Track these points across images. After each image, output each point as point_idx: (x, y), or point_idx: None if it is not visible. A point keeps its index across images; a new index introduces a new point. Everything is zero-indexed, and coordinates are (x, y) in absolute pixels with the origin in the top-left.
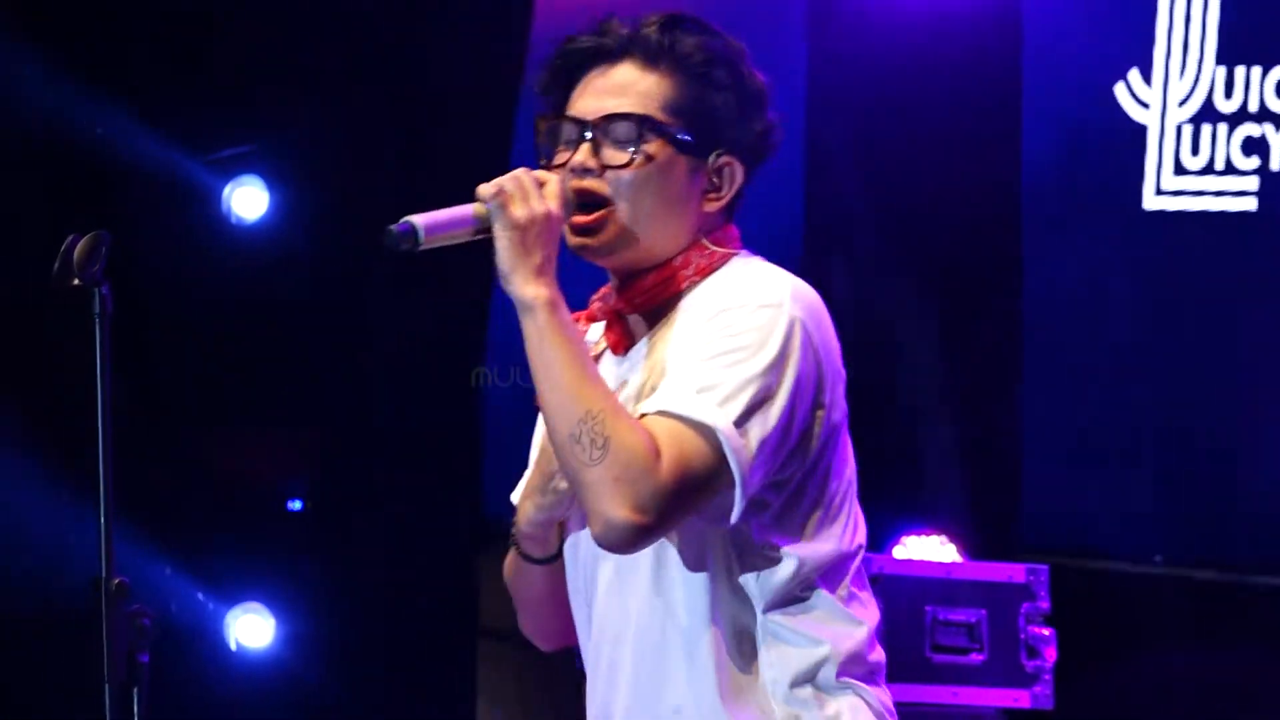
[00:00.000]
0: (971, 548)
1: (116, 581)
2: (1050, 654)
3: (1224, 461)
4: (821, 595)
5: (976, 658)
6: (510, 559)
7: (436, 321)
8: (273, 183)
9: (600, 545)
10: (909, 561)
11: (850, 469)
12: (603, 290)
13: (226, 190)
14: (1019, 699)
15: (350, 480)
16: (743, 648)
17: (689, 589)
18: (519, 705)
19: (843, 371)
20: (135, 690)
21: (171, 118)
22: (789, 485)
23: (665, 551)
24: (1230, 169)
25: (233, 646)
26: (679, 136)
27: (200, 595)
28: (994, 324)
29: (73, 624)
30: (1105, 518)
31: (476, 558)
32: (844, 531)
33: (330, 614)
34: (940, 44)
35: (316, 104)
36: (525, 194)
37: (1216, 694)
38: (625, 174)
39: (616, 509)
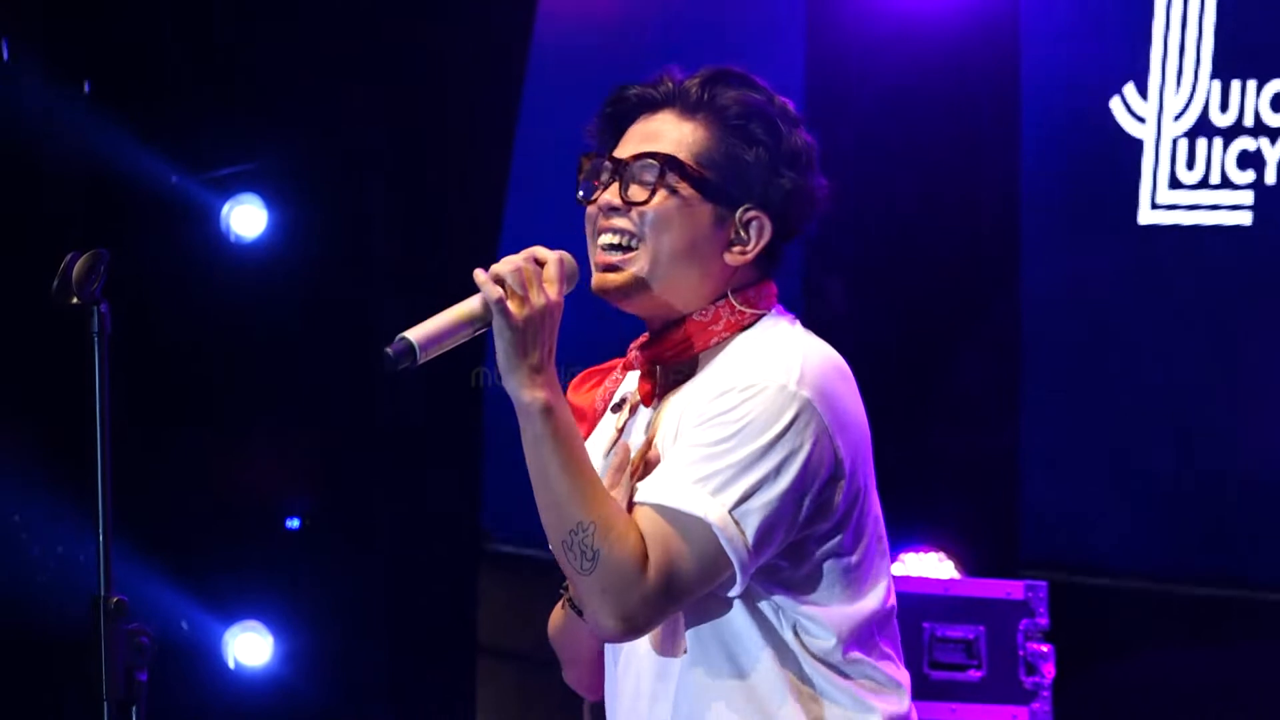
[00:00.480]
0: (969, 564)
1: (115, 600)
2: (1049, 670)
3: (1222, 475)
4: (858, 658)
5: (975, 674)
6: (559, 614)
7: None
8: (271, 201)
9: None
10: (907, 578)
11: (877, 528)
12: (639, 339)
13: (225, 208)
14: (1018, 716)
15: (348, 498)
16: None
17: (721, 646)
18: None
19: (867, 434)
20: (134, 708)
21: (171, 137)
22: (808, 553)
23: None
24: (1226, 183)
25: (231, 665)
26: (704, 180)
27: (198, 614)
28: (992, 340)
29: (72, 642)
30: (1104, 533)
31: (476, 575)
32: (872, 591)
33: (328, 632)
34: (939, 57)
35: (314, 123)
36: (526, 286)
37: (1215, 709)
38: (648, 211)
39: (605, 617)
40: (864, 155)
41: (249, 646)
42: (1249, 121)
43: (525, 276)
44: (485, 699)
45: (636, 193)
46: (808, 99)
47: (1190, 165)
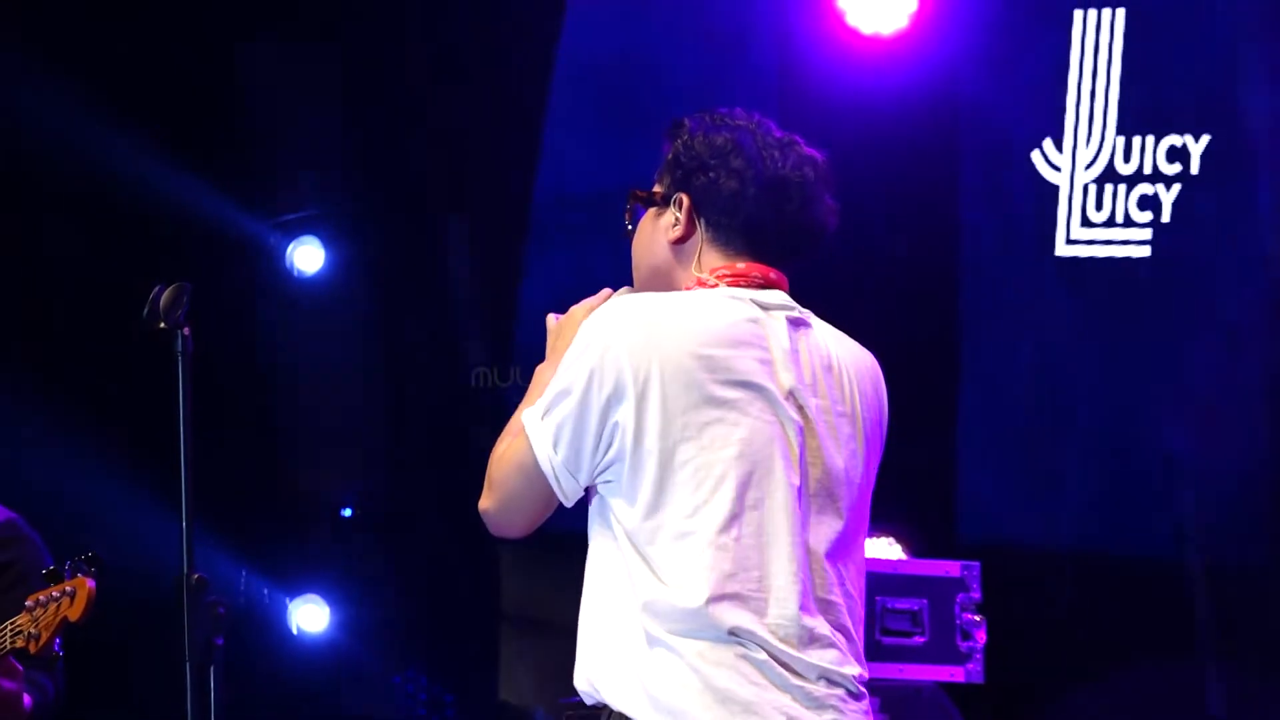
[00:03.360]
0: (915, 547)
1: (196, 577)
2: (981, 636)
3: (1124, 468)
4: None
5: (919, 640)
6: None
7: (462, 345)
8: (328, 241)
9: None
10: None
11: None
12: None
13: (289, 248)
14: (954, 674)
15: (391, 489)
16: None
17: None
18: (533, 678)
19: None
20: (211, 669)
21: (243, 186)
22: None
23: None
24: (1129, 222)
25: (294, 631)
26: (649, 193)
27: (266, 589)
28: (935, 355)
29: (159, 612)
30: (1027, 519)
31: (498, 554)
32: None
33: (376, 603)
34: (892, 118)
35: (366, 174)
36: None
37: (1118, 660)
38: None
39: (481, 504)
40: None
41: (310, 616)
42: (1148, 170)
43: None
44: (506, 659)
45: None
46: None
47: (1099, 207)
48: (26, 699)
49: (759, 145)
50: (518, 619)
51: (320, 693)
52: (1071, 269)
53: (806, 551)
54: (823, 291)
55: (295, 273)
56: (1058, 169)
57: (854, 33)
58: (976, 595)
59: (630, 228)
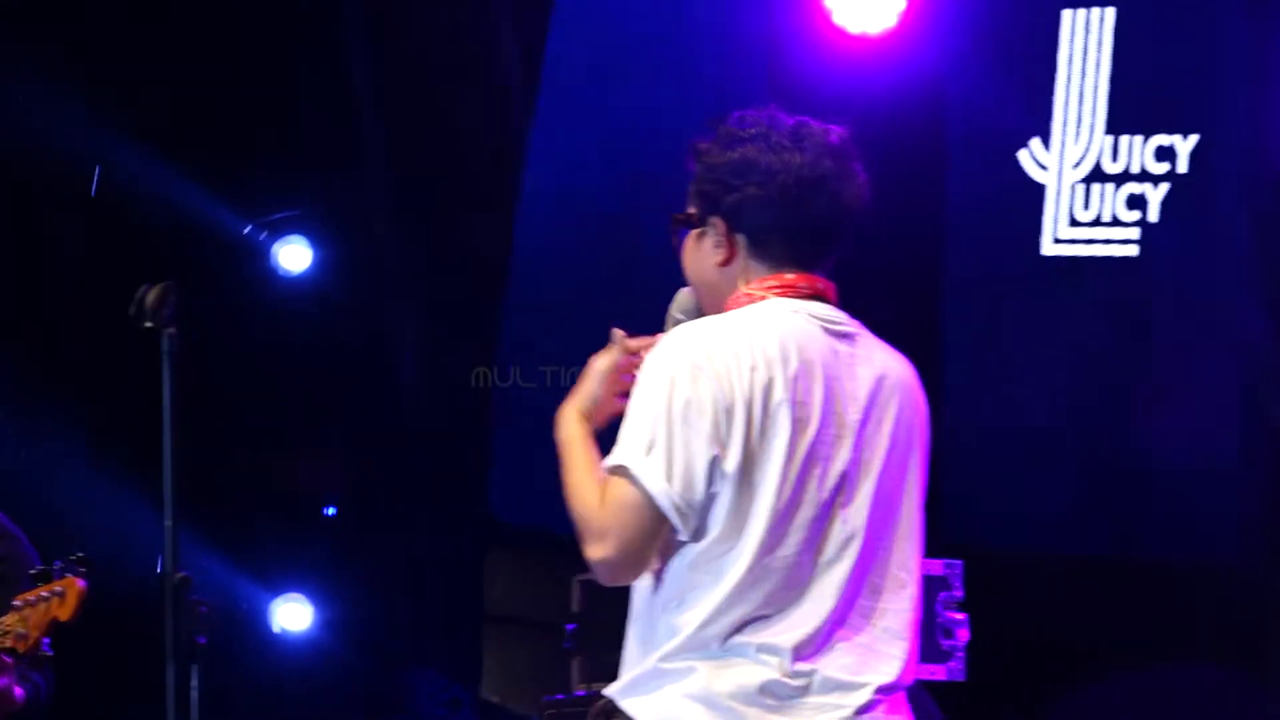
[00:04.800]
0: None
1: (179, 575)
2: (963, 635)
3: (1110, 468)
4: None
5: None
6: None
7: (451, 342)
8: (314, 241)
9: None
10: None
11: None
12: None
13: (275, 247)
14: (936, 673)
15: (375, 489)
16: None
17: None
18: (516, 680)
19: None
20: (194, 666)
21: (231, 187)
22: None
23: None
24: (1116, 221)
25: (276, 630)
26: (686, 215)
27: (248, 587)
28: (919, 354)
29: (143, 610)
30: (1011, 520)
31: (483, 555)
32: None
33: (359, 603)
34: (880, 117)
35: (351, 175)
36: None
37: (1102, 661)
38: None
39: (589, 557)
40: None
41: (292, 615)
42: (1135, 170)
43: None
44: (490, 658)
45: None
46: None
47: (1086, 206)
48: (18, 691)
49: (774, 150)
50: (500, 618)
51: (302, 691)
52: (1059, 268)
53: (862, 567)
54: None
55: (281, 272)
56: (1045, 168)
57: (841, 32)
58: (959, 593)
59: (677, 246)
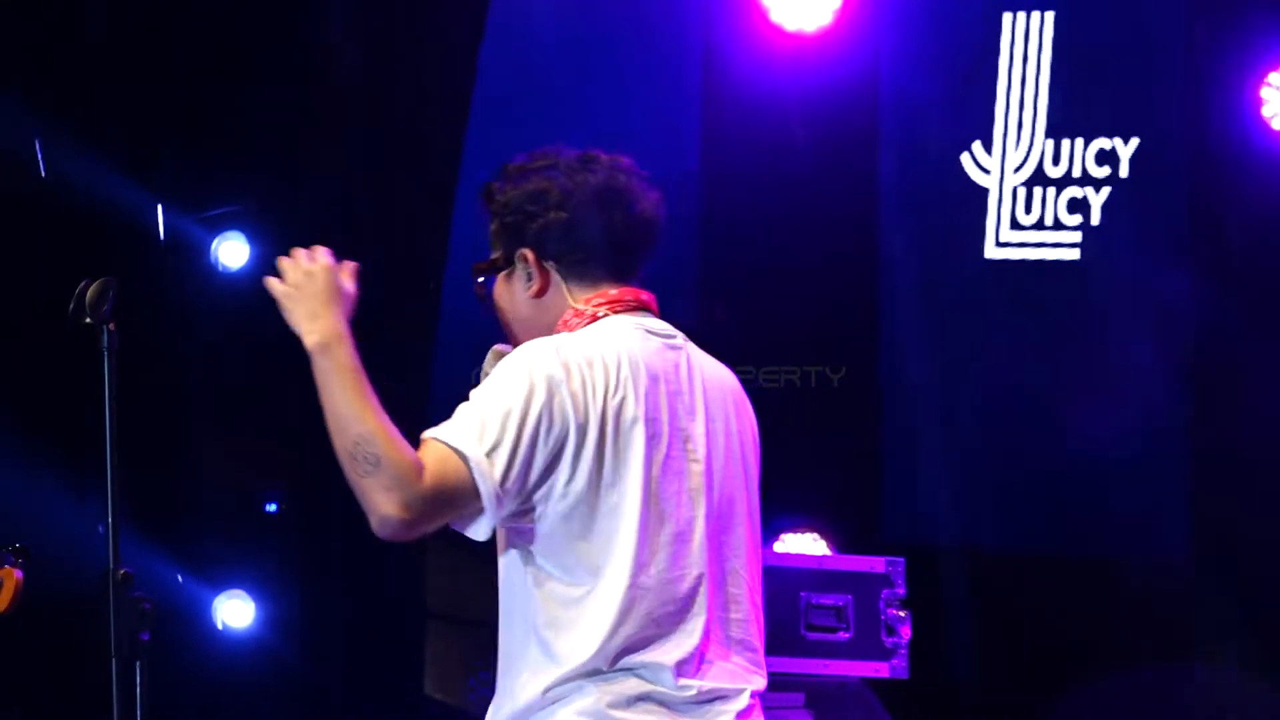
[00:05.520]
0: (839, 543)
1: (121, 572)
2: (906, 632)
3: (1050, 466)
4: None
5: (844, 635)
6: None
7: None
8: (253, 237)
9: (381, 536)
10: (787, 554)
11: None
12: None
13: (214, 243)
14: (880, 670)
15: (315, 485)
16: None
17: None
18: (459, 675)
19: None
20: (137, 663)
21: (169, 182)
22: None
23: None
24: (1058, 225)
25: (219, 627)
26: (489, 261)
27: (190, 583)
28: (859, 357)
29: (85, 608)
30: (951, 517)
31: (424, 553)
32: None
33: (301, 599)
34: (812, 119)
35: (291, 169)
36: (285, 273)
37: (1050, 657)
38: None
39: (389, 508)
40: (750, 203)
41: (235, 611)
42: (1077, 173)
43: (286, 265)
44: (432, 654)
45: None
46: (702, 161)
47: (1028, 210)
48: None
49: (566, 174)
50: (442, 615)
51: (246, 688)
52: (1001, 271)
53: (718, 578)
54: (750, 291)
55: (220, 268)
56: (987, 171)
57: (777, 29)
58: (901, 591)
59: (485, 299)
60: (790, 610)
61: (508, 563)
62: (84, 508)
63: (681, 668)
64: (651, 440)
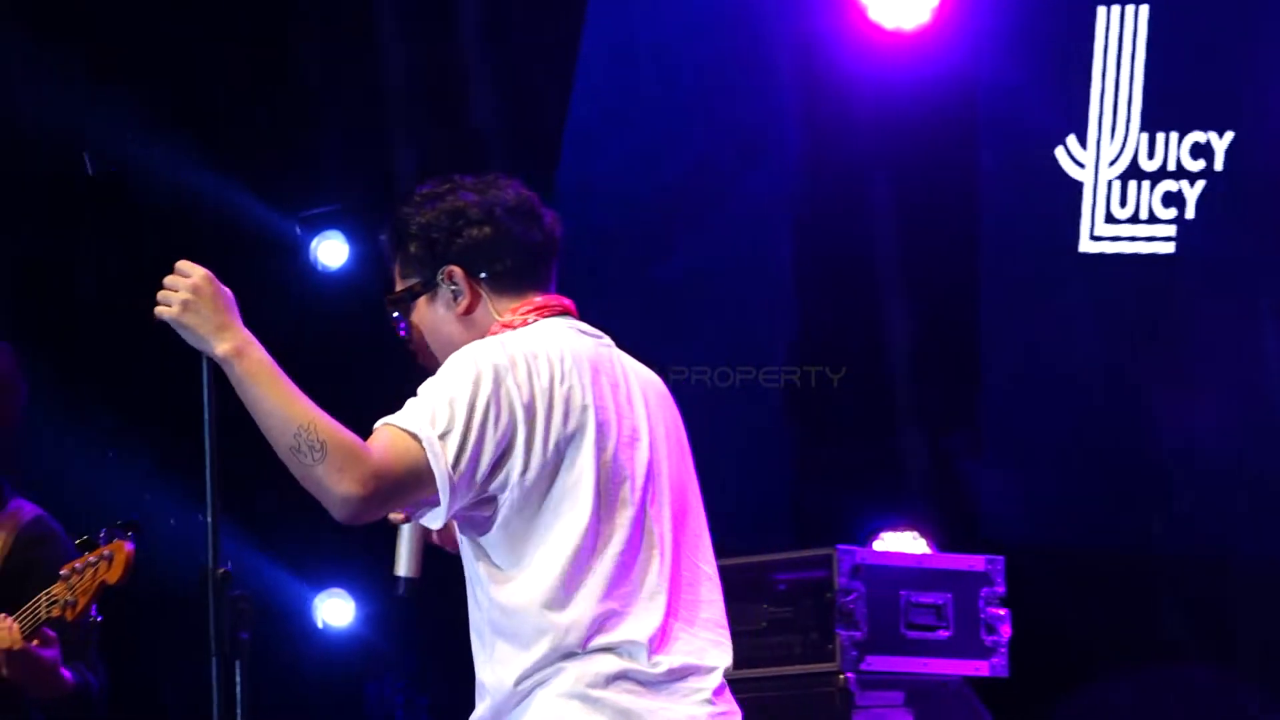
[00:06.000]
0: (939, 541)
1: (221, 570)
2: (1005, 630)
3: (1147, 464)
4: None
5: (943, 634)
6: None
7: None
8: (352, 236)
9: (346, 523)
10: (887, 553)
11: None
12: None
13: (314, 243)
14: (979, 668)
15: None
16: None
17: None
18: None
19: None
20: (237, 662)
21: (268, 181)
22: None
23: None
24: (1152, 218)
25: (320, 625)
26: (408, 287)
27: (292, 582)
28: (957, 352)
29: (186, 606)
30: (1051, 514)
31: None
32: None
33: (399, 597)
34: (913, 115)
35: (390, 169)
36: (170, 296)
37: (1140, 654)
38: (416, 345)
39: (347, 487)
40: (849, 199)
41: (335, 610)
42: (1172, 166)
43: (168, 289)
44: None
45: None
46: (801, 158)
47: (1123, 203)
48: (67, 673)
49: (477, 191)
50: None
51: (345, 687)
52: (1095, 266)
53: (676, 559)
54: (852, 287)
55: (319, 267)
56: (1082, 165)
57: (876, 27)
58: (1001, 589)
59: (404, 334)
60: (890, 609)
61: (469, 557)
62: (186, 506)
63: (653, 644)
64: (601, 427)
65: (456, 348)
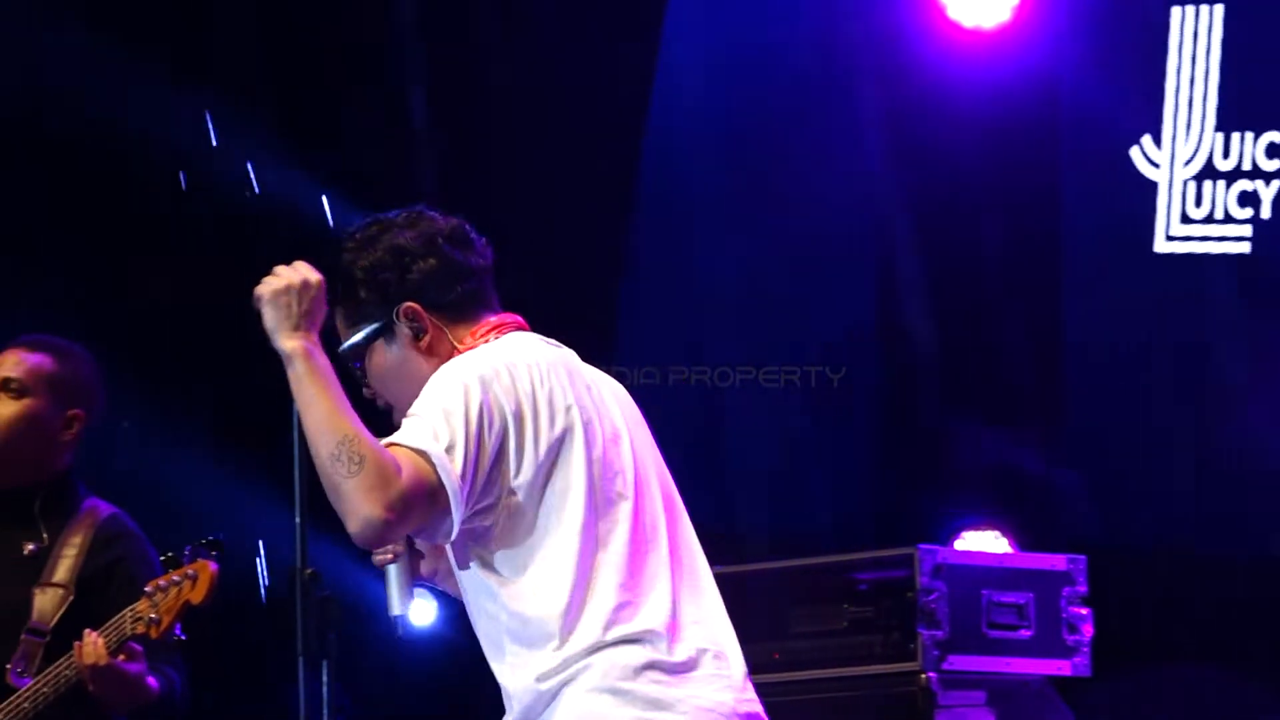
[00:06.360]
0: (1021, 541)
1: (309, 571)
2: (1087, 630)
3: (1227, 465)
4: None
5: (1025, 633)
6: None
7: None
8: None
9: (358, 541)
10: (969, 552)
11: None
12: None
13: None
14: (1062, 668)
15: None
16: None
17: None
18: None
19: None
20: (324, 661)
21: (361, 187)
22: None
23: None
24: (1228, 218)
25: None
26: (366, 333)
27: (373, 582)
28: (1038, 352)
29: (274, 606)
30: (1132, 514)
31: None
32: None
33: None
34: (994, 118)
35: (467, 163)
36: (279, 276)
37: (1234, 663)
38: (379, 391)
39: (372, 509)
40: (929, 199)
41: (418, 609)
42: (1247, 166)
43: (278, 272)
44: None
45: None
46: (881, 159)
47: (1198, 203)
48: (152, 682)
49: (409, 226)
50: None
51: (430, 686)
52: (1171, 264)
53: (674, 550)
54: (932, 285)
55: None
56: (1157, 165)
57: (955, 26)
58: (1083, 588)
59: (367, 385)
60: (972, 608)
61: (474, 572)
62: (275, 508)
63: (668, 632)
64: (587, 426)
65: (417, 383)
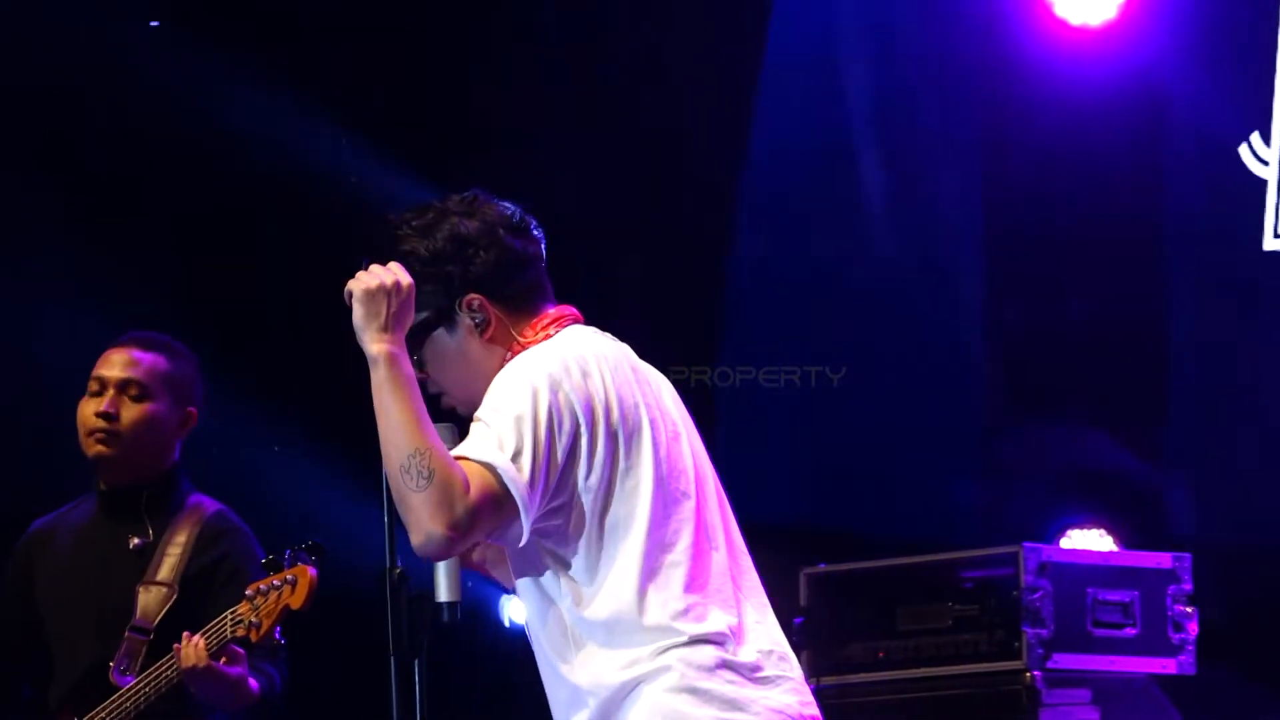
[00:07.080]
0: (1126, 539)
1: (399, 570)
2: (1192, 628)
3: None
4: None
5: (1130, 632)
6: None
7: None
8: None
9: (419, 553)
10: (1074, 550)
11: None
12: None
13: None
14: (1166, 666)
15: None
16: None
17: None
18: None
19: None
20: (416, 661)
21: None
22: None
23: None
24: None
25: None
26: (423, 320)
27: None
28: (1144, 349)
29: (372, 605)
30: (1239, 513)
31: None
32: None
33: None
34: (1100, 115)
35: (570, 172)
36: (374, 274)
37: None
38: (435, 379)
39: (437, 526)
40: (1034, 196)
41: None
42: None
43: (374, 270)
44: None
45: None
46: (985, 156)
47: None
48: (253, 683)
49: (467, 216)
50: None
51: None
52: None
53: (731, 549)
54: (1038, 284)
55: None
56: (1265, 163)
57: (1062, 23)
58: (1188, 587)
59: (424, 370)
60: (1077, 606)
61: (538, 565)
62: (365, 507)
63: (734, 633)
64: (653, 423)
65: (483, 376)
